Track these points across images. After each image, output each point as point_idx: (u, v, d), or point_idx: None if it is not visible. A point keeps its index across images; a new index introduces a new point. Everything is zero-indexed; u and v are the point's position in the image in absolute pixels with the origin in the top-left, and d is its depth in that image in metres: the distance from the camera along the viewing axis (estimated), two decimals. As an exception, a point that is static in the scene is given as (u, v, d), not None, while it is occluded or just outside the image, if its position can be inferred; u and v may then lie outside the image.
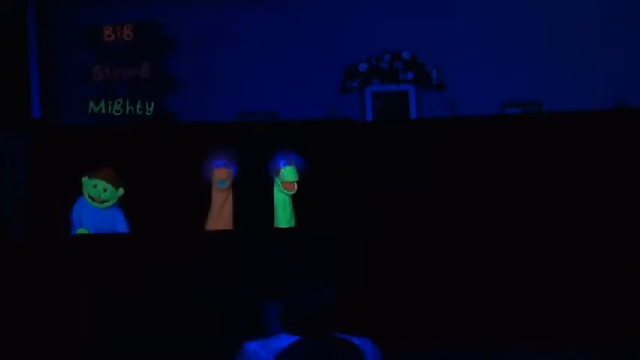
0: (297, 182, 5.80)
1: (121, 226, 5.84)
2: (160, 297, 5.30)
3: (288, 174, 5.79)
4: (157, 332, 5.26)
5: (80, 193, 5.80)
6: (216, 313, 5.25)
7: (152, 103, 8.20)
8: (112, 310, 5.25)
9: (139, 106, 8.18)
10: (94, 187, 5.75)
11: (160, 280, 5.32)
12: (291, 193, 5.82)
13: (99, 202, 5.77)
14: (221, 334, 5.07)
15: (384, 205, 6.42)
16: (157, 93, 8.41)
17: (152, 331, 5.25)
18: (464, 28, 8.42)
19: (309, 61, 8.39)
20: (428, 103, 8.45)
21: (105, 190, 5.76)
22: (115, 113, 8.15)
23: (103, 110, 8.12)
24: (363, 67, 8.42)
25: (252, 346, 3.22)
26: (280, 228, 5.84)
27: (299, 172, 5.81)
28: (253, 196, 6.01)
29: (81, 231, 5.74)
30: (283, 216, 5.85)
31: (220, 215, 5.91)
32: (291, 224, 5.86)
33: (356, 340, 2.95)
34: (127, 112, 8.17)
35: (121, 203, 5.85)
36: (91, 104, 8.11)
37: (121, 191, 5.80)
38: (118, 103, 8.16)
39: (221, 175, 5.89)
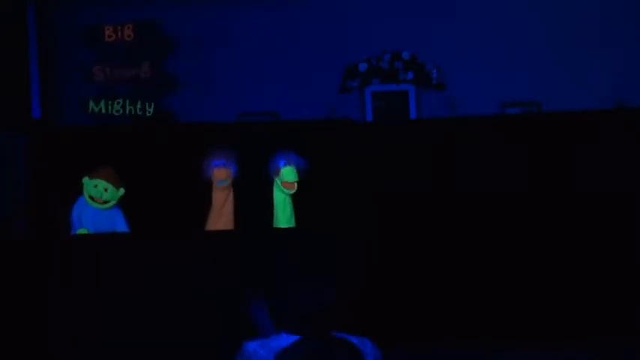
0: (297, 182, 5.81)
1: (121, 226, 5.84)
2: (160, 297, 5.30)
3: (288, 174, 5.79)
4: (157, 332, 5.26)
5: (80, 193, 5.80)
6: (216, 313, 5.25)
7: (152, 104, 8.20)
8: (112, 310, 5.25)
9: (139, 106, 8.18)
10: (95, 186, 5.75)
11: (160, 280, 5.32)
12: (292, 192, 5.82)
13: (99, 203, 5.77)
14: (221, 334, 5.06)
15: (384, 205, 6.42)
16: (157, 93, 8.41)
17: (152, 331, 5.25)
18: (464, 28, 8.42)
19: (309, 61, 8.38)
20: (428, 103, 8.45)
21: (106, 190, 5.76)
22: (115, 113, 8.15)
23: (103, 110, 8.12)
24: (363, 67, 8.42)
25: (252, 345, 3.22)
26: (280, 228, 5.84)
27: (299, 172, 5.81)
28: (253, 195, 6.01)
29: (81, 231, 5.74)
30: (283, 216, 5.86)
31: (221, 214, 5.91)
32: (291, 224, 5.87)
33: (356, 340, 2.95)
34: (127, 112, 8.17)
35: (122, 203, 5.85)
36: (91, 104, 8.11)
37: (122, 191, 5.80)
38: (118, 103, 8.16)
39: (221, 174, 5.89)
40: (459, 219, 6.44)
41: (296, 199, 5.87)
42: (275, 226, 5.88)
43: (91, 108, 8.10)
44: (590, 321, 6.22)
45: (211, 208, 5.93)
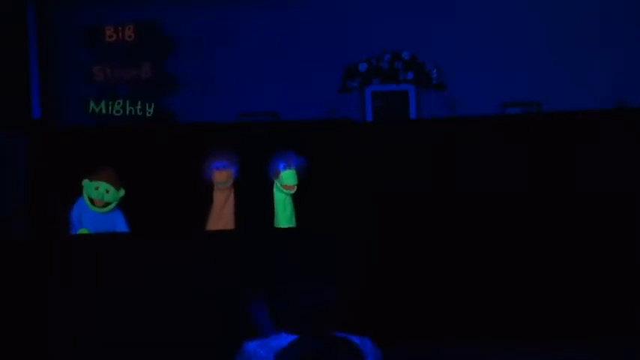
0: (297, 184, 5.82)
1: (122, 226, 5.84)
2: (160, 297, 5.30)
3: (287, 177, 5.80)
4: (157, 332, 5.26)
5: (80, 193, 5.80)
6: (216, 313, 5.25)
7: (152, 104, 8.20)
8: (112, 310, 5.25)
9: (139, 106, 8.18)
10: (97, 188, 5.75)
11: (160, 280, 5.32)
12: (292, 192, 5.83)
13: (100, 206, 5.76)
14: (221, 334, 5.06)
15: (384, 205, 6.42)
16: (157, 94, 8.41)
17: (152, 331, 5.25)
18: (464, 28, 8.42)
19: (309, 61, 8.39)
20: (428, 103, 8.45)
21: (107, 192, 5.76)
22: (116, 114, 8.16)
23: (104, 111, 8.12)
24: (363, 67, 8.42)
25: (252, 345, 3.22)
26: (280, 228, 5.84)
27: (299, 175, 5.81)
28: (254, 195, 6.01)
29: (82, 231, 5.74)
30: (283, 216, 5.86)
31: (221, 215, 5.91)
32: (292, 224, 5.87)
33: (356, 340, 2.95)
34: (127, 112, 8.17)
35: (122, 204, 5.84)
36: (92, 104, 8.11)
37: (122, 192, 5.81)
38: (119, 103, 8.16)
39: (222, 176, 5.89)
40: (459, 219, 6.44)
41: (296, 199, 5.87)
42: (275, 225, 5.88)
43: (91, 108, 8.11)
44: (590, 321, 6.22)
45: (211, 208, 5.92)
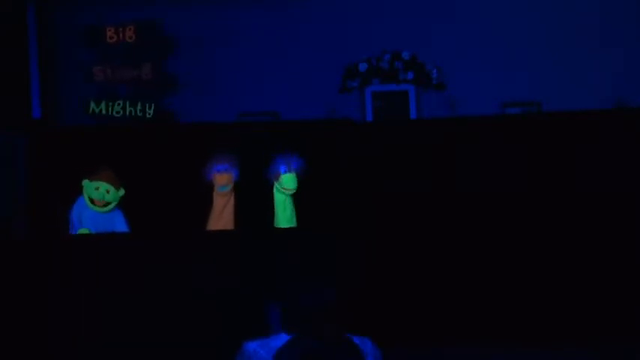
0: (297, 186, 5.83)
1: (121, 226, 5.84)
2: (160, 297, 5.30)
3: (287, 181, 5.80)
4: (157, 332, 5.25)
5: (80, 193, 5.80)
6: (216, 313, 5.25)
7: (152, 105, 8.20)
8: (112, 310, 5.25)
9: (139, 107, 8.18)
10: (97, 189, 5.75)
11: (160, 280, 5.32)
12: (291, 192, 5.83)
13: (100, 206, 5.77)
14: (221, 334, 5.06)
15: (384, 205, 6.42)
16: (157, 94, 8.41)
17: (152, 331, 5.25)
18: (464, 28, 8.42)
19: (309, 61, 8.39)
20: (428, 103, 8.45)
21: (108, 192, 5.77)
22: (116, 114, 8.16)
23: (104, 111, 8.12)
24: (363, 67, 8.42)
25: (252, 345, 3.22)
26: (280, 228, 5.84)
27: (299, 178, 5.82)
28: (254, 195, 6.01)
29: (82, 231, 5.75)
30: (284, 216, 5.86)
31: (221, 217, 5.91)
32: (292, 224, 5.87)
33: (356, 340, 2.96)
34: (128, 113, 8.17)
35: (122, 204, 5.85)
36: (92, 105, 8.11)
37: (122, 191, 5.81)
38: (119, 104, 8.16)
39: (222, 179, 5.89)
40: (459, 219, 6.44)
41: (296, 199, 5.87)
42: (275, 225, 5.87)
43: (91, 109, 8.10)
44: (590, 321, 6.22)
45: (212, 211, 5.92)
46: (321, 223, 5.84)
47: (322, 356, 2.69)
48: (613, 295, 6.29)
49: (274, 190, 5.87)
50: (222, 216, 5.91)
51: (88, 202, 5.76)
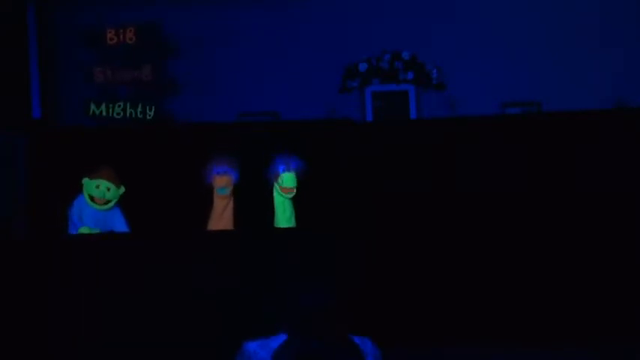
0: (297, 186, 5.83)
1: (120, 222, 5.84)
2: (160, 297, 5.30)
3: (287, 180, 5.79)
4: (157, 332, 5.25)
5: (79, 192, 5.80)
6: (216, 313, 5.25)
7: (153, 107, 8.21)
8: (112, 310, 5.25)
9: (139, 109, 8.18)
10: (97, 187, 5.75)
11: (160, 280, 5.32)
12: (291, 196, 5.83)
13: (100, 204, 5.77)
14: (221, 334, 5.06)
15: (384, 205, 6.42)
16: (157, 96, 8.41)
17: (152, 331, 5.25)
18: (464, 28, 8.42)
19: (309, 61, 8.39)
20: (428, 103, 8.46)
21: (108, 190, 5.77)
22: (116, 116, 8.16)
23: (104, 113, 8.12)
24: (363, 67, 8.43)
25: (252, 346, 3.22)
26: (280, 228, 5.84)
27: (298, 177, 5.81)
28: (253, 196, 6.00)
29: (83, 229, 5.74)
30: (283, 216, 5.86)
31: (221, 219, 5.91)
32: (292, 224, 5.86)
33: (356, 340, 2.96)
34: (128, 115, 8.17)
35: (122, 203, 5.85)
36: (92, 107, 8.11)
37: (122, 189, 5.82)
38: (119, 106, 8.16)
39: (222, 181, 5.89)
40: (459, 219, 6.44)
41: (296, 199, 5.87)
42: (275, 226, 5.87)
43: (91, 111, 8.11)
44: (590, 321, 6.22)
45: (212, 212, 5.92)
46: (320, 223, 5.84)
47: (322, 356, 2.69)
48: (613, 295, 6.29)
49: (274, 190, 5.86)
50: (222, 217, 5.91)
51: (89, 200, 5.76)
